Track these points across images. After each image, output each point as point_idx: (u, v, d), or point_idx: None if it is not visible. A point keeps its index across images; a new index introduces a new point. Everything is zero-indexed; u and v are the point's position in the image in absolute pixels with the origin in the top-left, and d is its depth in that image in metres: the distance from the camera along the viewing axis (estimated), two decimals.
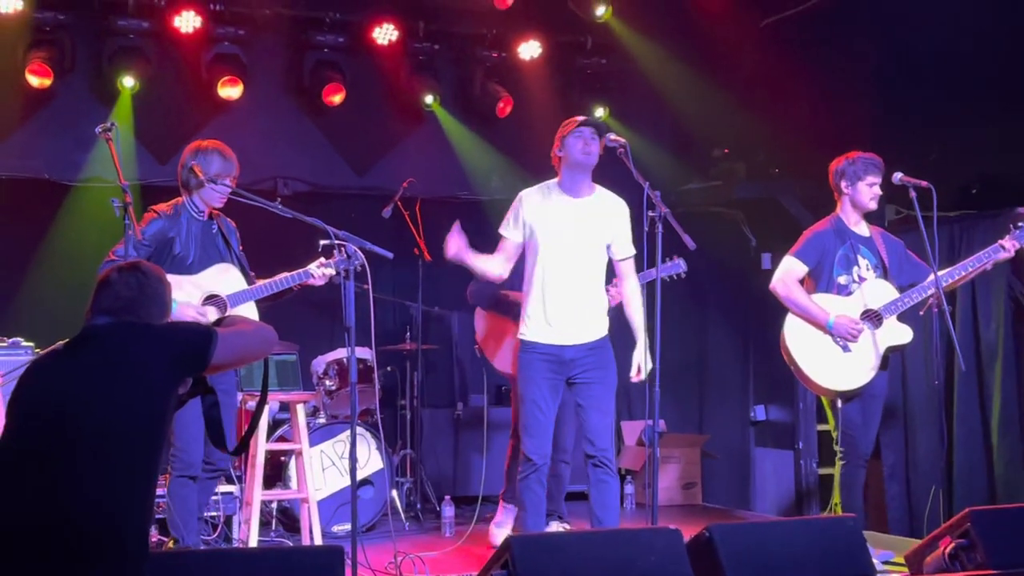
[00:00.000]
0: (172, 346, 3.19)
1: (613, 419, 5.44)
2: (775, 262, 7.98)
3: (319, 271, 5.38)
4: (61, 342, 3.30)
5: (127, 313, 3.24)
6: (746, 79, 7.88)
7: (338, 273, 5.35)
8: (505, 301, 6.65)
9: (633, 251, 5.34)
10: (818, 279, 5.72)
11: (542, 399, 5.31)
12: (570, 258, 5.34)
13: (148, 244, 5.02)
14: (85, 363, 3.14)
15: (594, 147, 5.28)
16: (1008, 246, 5.63)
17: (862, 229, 5.79)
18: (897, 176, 5.59)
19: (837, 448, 5.67)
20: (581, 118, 5.34)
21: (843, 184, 5.72)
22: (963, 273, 5.68)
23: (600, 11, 7.79)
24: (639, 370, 5.40)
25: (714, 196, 8.21)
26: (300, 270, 5.37)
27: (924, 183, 5.50)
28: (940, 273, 5.52)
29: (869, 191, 5.68)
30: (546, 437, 5.33)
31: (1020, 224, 5.66)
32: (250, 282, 5.31)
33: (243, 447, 3.38)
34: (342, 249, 4.77)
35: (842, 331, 5.57)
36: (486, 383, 7.86)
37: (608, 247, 5.44)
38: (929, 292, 5.59)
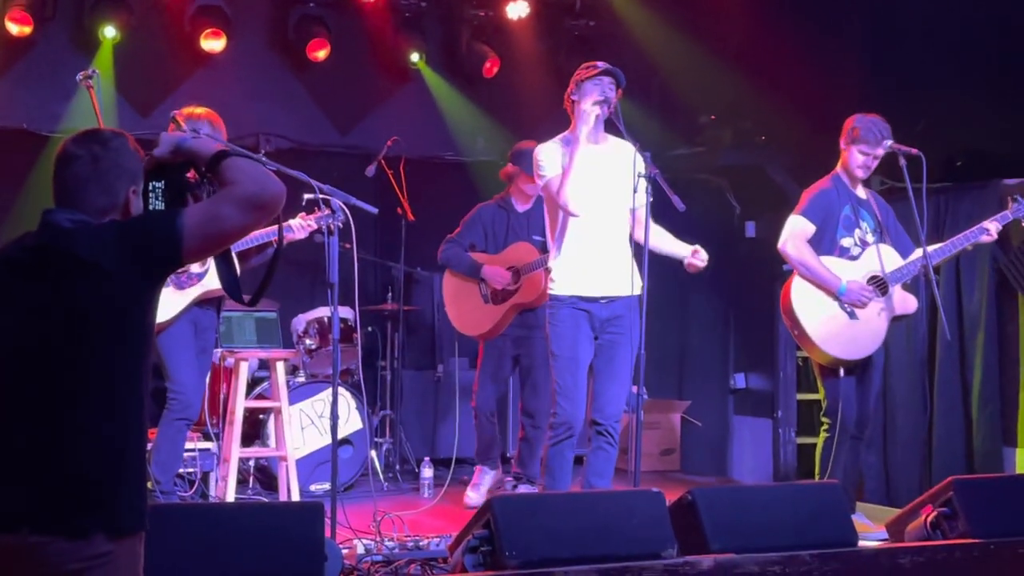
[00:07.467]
0: (128, 246, 2.68)
1: (629, 387, 5.24)
2: (759, 230, 8.00)
3: (299, 223, 5.36)
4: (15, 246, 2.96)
5: (83, 199, 2.80)
6: (735, 46, 7.81)
7: (319, 230, 5.32)
8: (472, 264, 6.62)
9: (650, 198, 5.06)
10: (820, 241, 5.55)
11: (581, 356, 5.11)
12: (594, 205, 5.16)
13: None
14: (34, 291, 2.76)
15: (611, 96, 5.12)
16: (992, 228, 5.49)
17: (859, 192, 5.68)
18: (887, 143, 5.51)
19: (823, 419, 5.63)
20: (602, 65, 5.18)
21: (842, 142, 5.60)
22: (946, 255, 5.57)
23: None
24: (696, 252, 5.26)
25: (699, 163, 8.16)
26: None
27: (915, 151, 5.41)
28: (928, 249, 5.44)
29: (859, 158, 5.53)
30: (583, 398, 5.13)
31: (1017, 198, 5.58)
32: None
33: (258, 298, 3.03)
34: (327, 204, 4.72)
35: (853, 297, 5.42)
36: (466, 346, 7.81)
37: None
38: (921, 264, 5.48)
